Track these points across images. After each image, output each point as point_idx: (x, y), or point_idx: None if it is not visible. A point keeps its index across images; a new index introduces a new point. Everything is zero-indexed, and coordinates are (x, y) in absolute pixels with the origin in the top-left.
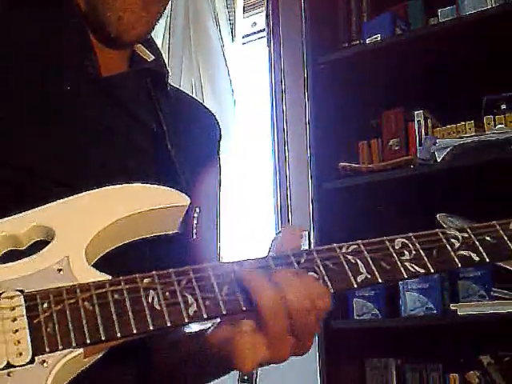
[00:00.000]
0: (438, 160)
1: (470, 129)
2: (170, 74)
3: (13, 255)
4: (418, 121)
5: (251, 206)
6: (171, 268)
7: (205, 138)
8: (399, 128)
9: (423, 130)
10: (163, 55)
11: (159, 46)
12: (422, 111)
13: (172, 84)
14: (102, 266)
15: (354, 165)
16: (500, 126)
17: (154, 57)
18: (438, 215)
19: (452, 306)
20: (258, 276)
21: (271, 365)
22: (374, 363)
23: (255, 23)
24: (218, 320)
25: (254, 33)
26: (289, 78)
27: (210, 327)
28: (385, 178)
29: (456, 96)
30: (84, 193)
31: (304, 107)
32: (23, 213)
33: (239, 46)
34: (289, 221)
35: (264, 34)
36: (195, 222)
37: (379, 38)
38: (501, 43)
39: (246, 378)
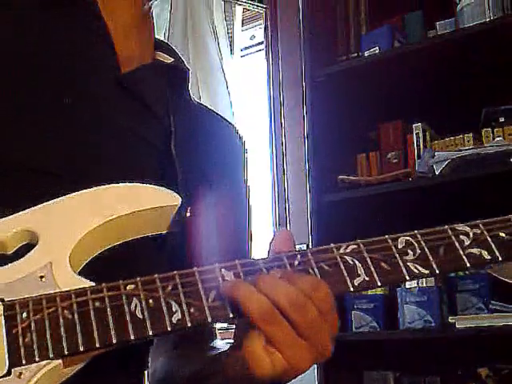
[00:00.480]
0: (437, 173)
1: (468, 141)
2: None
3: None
4: (417, 133)
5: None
6: (161, 270)
7: (229, 156)
8: (398, 141)
9: (422, 143)
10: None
11: None
12: (420, 124)
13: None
14: (86, 271)
15: (352, 177)
16: (498, 138)
17: (172, 59)
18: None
19: (450, 319)
20: (243, 286)
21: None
22: (373, 376)
23: (254, 36)
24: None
25: (253, 46)
26: (287, 91)
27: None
28: (383, 190)
29: (454, 108)
30: (70, 194)
31: (302, 120)
32: (8, 216)
33: (238, 59)
34: None
35: (262, 46)
36: (185, 221)
37: (377, 51)
38: (499, 55)
39: None
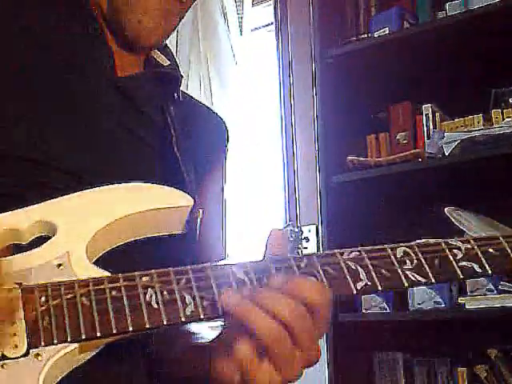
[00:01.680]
0: (446, 154)
1: (478, 122)
2: (183, 78)
3: (14, 250)
4: (426, 114)
5: (260, 201)
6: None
7: (212, 143)
8: (407, 122)
9: (431, 124)
10: (177, 60)
11: (167, 40)
12: (430, 105)
13: (183, 90)
14: (103, 264)
15: (361, 158)
16: (508, 119)
17: (169, 62)
18: (446, 208)
19: (460, 300)
20: (246, 306)
21: None
22: (382, 357)
23: (263, 16)
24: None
25: (262, 26)
26: (297, 72)
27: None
28: (393, 171)
29: (464, 89)
30: (89, 190)
31: (312, 101)
32: (27, 207)
33: (247, 39)
34: (297, 215)
35: (272, 27)
36: (199, 223)
37: (387, 32)
38: (509, 37)
39: None
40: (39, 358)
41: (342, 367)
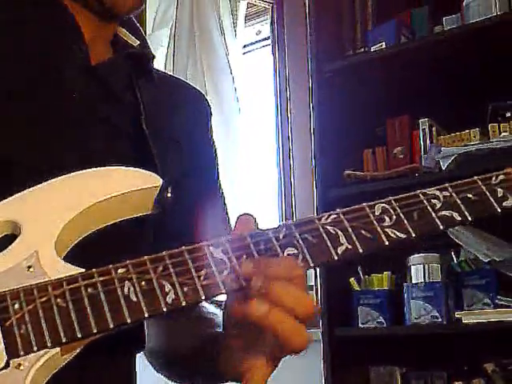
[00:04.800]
0: (443, 168)
1: (474, 137)
2: (155, 57)
3: None
4: (423, 129)
5: (256, 214)
6: (146, 251)
7: (194, 116)
8: (404, 136)
9: (428, 138)
10: (148, 41)
11: (163, 53)
12: (426, 119)
13: (157, 68)
14: (73, 256)
15: (358, 173)
16: (505, 133)
17: (138, 42)
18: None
19: (457, 314)
20: (256, 307)
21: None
22: (379, 371)
23: (260, 31)
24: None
25: (259, 41)
26: (293, 86)
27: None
28: (389, 186)
29: (461, 104)
30: (50, 180)
31: (309, 115)
32: None
33: (242, 54)
34: None
35: (269, 42)
36: (168, 201)
37: (384, 46)
38: (506, 51)
39: None
40: (21, 367)
41: (339, 381)
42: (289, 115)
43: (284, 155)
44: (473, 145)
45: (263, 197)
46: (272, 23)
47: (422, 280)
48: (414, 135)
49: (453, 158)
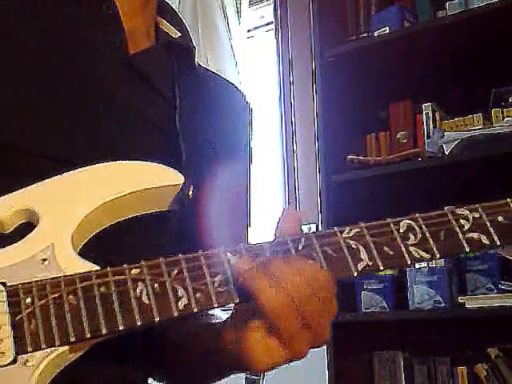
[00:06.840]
0: (446, 153)
1: (477, 121)
2: (196, 50)
3: None
4: (426, 113)
5: (260, 199)
6: (163, 249)
7: (234, 123)
8: (407, 121)
9: (431, 123)
10: (190, 33)
11: None
12: (430, 104)
13: (201, 63)
14: (88, 250)
15: (361, 157)
16: (508, 118)
17: (180, 34)
18: (445, 208)
19: (460, 299)
20: (259, 278)
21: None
22: (382, 356)
23: (263, 16)
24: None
25: (262, 25)
26: (297, 71)
27: (227, 320)
28: (393, 170)
29: (464, 89)
30: (71, 172)
31: (312, 100)
32: (6, 195)
33: (247, 38)
34: None
35: (272, 26)
36: (190, 200)
37: (387, 31)
38: (509, 36)
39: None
40: (28, 364)
41: (342, 366)
42: (292, 100)
43: (287, 140)
44: (476, 130)
45: (267, 181)
46: (275, 8)
47: (426, 265)
48: (418, 120)
49: (456, 142)
